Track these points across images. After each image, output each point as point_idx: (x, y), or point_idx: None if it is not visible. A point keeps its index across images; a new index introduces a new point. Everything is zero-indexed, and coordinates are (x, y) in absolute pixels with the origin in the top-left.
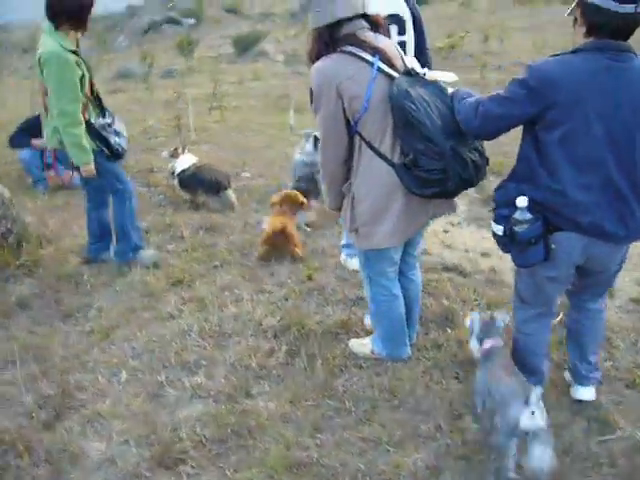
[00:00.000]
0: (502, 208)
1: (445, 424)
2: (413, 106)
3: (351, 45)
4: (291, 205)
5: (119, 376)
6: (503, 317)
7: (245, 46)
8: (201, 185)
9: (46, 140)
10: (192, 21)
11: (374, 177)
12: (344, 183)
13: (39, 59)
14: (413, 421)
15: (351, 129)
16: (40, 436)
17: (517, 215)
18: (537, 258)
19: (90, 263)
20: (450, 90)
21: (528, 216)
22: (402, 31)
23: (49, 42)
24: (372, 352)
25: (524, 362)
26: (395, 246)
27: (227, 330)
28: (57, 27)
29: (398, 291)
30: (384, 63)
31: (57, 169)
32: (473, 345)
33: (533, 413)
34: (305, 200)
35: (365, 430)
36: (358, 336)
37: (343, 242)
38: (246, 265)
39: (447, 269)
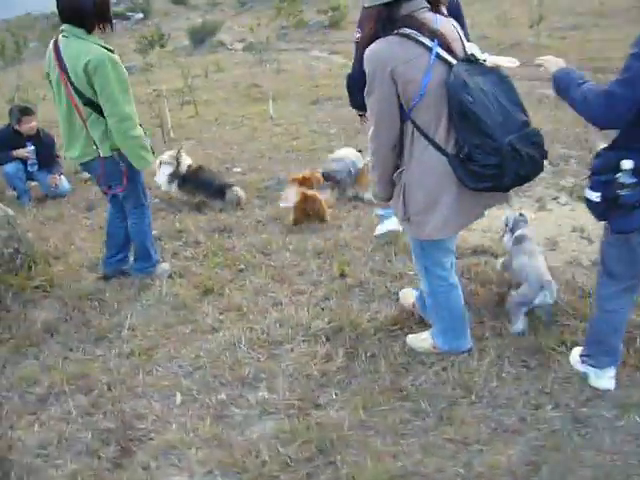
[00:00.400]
0: (600, 175)
1: (527, 416)
2: (470, 98)
3: (409, 27)
4: (310, 183)
5: (174, 399)
6: (525, 215)
7: (201, 37)
8: (207, 186)
9: (81, 154)
10: (140, 15)
11: (427, 166)
12: (395, 171)
13: (85, 68)
14: (495, 416)
15: (404, 114)
16: (115, 476)
17: (621, 178)
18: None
19: (107, 279)
20: (545, 70)
21: (633, 179)
22: None
23: (91, 47)
24: (433, 347)
25: (601, 340)
26: (448, 236)
27: (276, 338)
28: (90, 30)
29: (455, 280)
30: (443, 48)
31: (43, 178)
32: (507, 238)
33: (546, 295)
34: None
35: (449, 431)
36: (413, 331)
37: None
38: (271, 266)
39: (476, 252)
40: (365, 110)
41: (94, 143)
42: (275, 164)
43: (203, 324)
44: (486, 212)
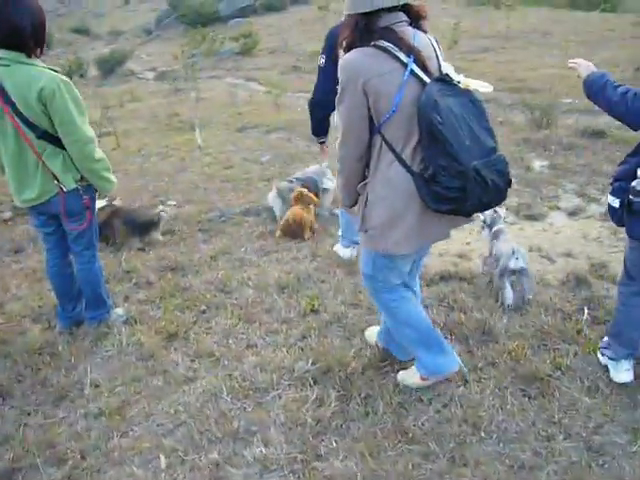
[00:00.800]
0: (621, 180)
1: (542, 449)
2: (439, 119)
3: (386, 40)
4: (306, 201)
5: (158, 462)
6: (502, 211)
7: (110, 67)
8: (129, 227)
9: (40, 193)
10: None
11: (391, 181)
12: (361, 181)
13: (39, 96)
14: (508, 452)
15: (373, 127)
16: None
17: (636, 185)
18: None
19: (53, 329)
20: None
21: None
22: None
23: (41, 72)
24: (422, 379)
25: (622, 333)
26: (404, 254)
27: (259, 384)
28: (29, 55)
29: (408, 294)
30: (418, 66)
31: None
32: (486, 234)
33: (517, 258)
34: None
35: (465, 472)
36: (404, 366)
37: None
38: (235, 304)
39: (444, 278)
40: (325, 137)
41: (55, 178)
42: (211, 194)
43: (175, 374)
44: (452, 232)
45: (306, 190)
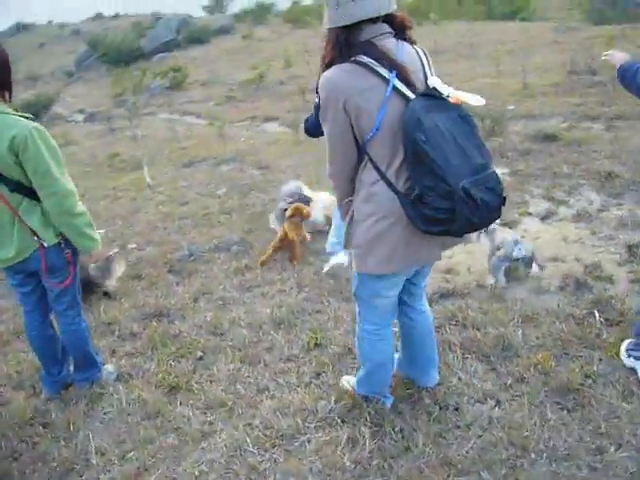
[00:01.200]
0: None
1: (597, 463)
2: (423, 137)
3: (367, 55)
4: (299, 215)
5: None
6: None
7: (36, 111)
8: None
9: (19, 251)
10: None
11: (376, 200)
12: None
13: (10, 145)
14: (564, 471)
15: (361, 147)
16: None
17: None
18: None
19: (39, 395)
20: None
21: None
22: None
23: (11, 120)
24: (352, 388)
25: None
26: (384, 274)
27: (284, 431)
28: None
29: (387, 334)
30: (401, 80)
31: None
32: (482, 237)
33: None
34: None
35: None
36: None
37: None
38: (232, 347)
39: (444, 296)
40: None
41: (33, 233)
42: (173, 234)
43: (190, 430)
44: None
45: (302, 205)
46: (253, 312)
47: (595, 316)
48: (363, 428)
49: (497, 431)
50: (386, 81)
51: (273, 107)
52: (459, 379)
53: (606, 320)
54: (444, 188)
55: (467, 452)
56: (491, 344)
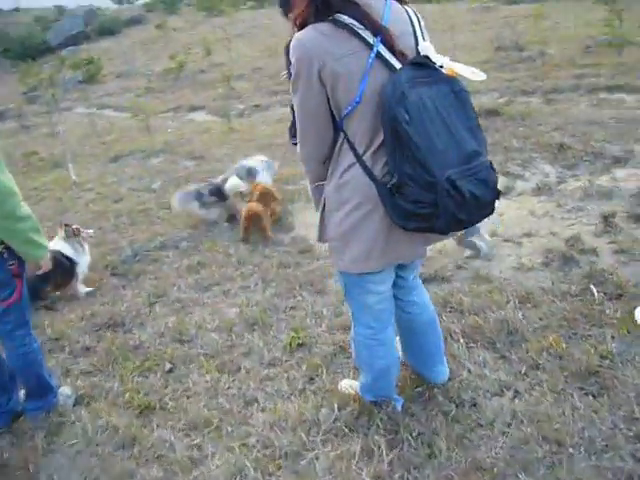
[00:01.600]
0: None
1: (638, 452)
2: (406, 116)
3: (348, 15)
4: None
5: None
6: None
7: None
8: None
9: None
10: None
11: (350, 185)
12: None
13: None
14: (606, 464)
15: (336, 123)
16: None
17: None
18: None
19: None
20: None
21: None
22: None
23: None
24: (357, 393)
25: None
26: (368, 271)
27: (287, 448)
28: None
29: (386, 336)
30: (387, 47)
31: None
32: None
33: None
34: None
35: None
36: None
37: None
38: (205, 354)
39: (428, 280)
40: None
41: None
42: (109, 233)
43: (175, 458)
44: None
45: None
46: (219, 313)
47: (593, 292)
48: (377, 437)
49: (524, 426)
50: (369, 46)
51: (196, 96)
52: (469, 371)
53: (605, 294)
54: (426, 178)
55: (497, 453)
56: (494, 329)
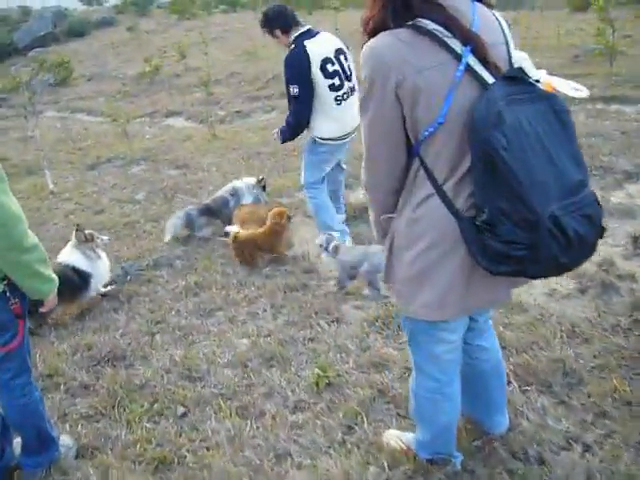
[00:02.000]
0: None
1: None
2: (503, 141)
3: (432, 19)
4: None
5: None
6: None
7: None
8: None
9: None
10: None
11: (426, 220)
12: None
13: None
14: None
15: (412, 148)
16: None
17: None
18: None
19: None
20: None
21: None
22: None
23: None
24: (407, 451)
25: None
26: (443, 320)
27: None
28: None
29: (452, 391)
30: (478, 58)
31: None
32: (325, 256)
33: None
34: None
35: None
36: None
37: None
38: (221, 395)
39: None
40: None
41: None
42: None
43: None
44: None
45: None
46: (229, 345)
47: None
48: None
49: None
50: (457, 57)
51: (173, 101)
52: (528, 420)
53: None
54: (524, 215)
55: None
56: (548, 370)
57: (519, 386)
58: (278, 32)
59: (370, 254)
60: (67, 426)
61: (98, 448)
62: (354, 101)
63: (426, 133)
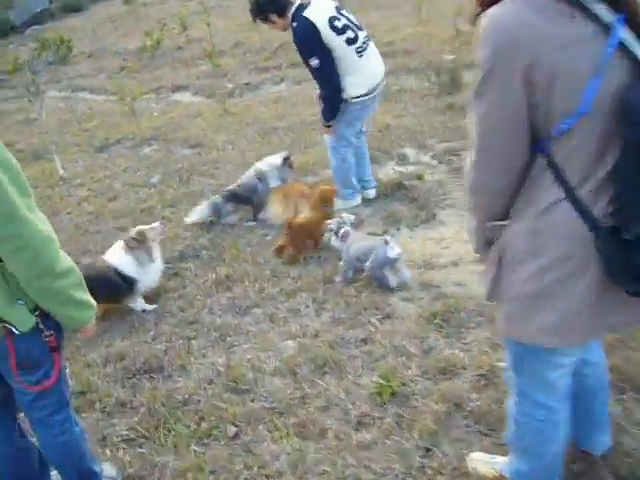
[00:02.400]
0: None
1: None
2: None
3: None
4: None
5: None
6: (348, 216)
7: None
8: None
9: None
10: None
11: (553, 231)
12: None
13: None
14: None
15: (537, 143)
16: None
17: None
18: None
19: None
20: None
21: None
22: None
23: None
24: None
25: None
26: (567, 346)
27: None
28: None
29: (563, 417)
30: (633, 29)
31: None
32: (333, 241)
33: (392, 247)
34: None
35: None
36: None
37: None
38: (273, 411)
39: None
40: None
41: None
42: (111, 238)
43: None
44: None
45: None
46: (272, 348)
47: None
48: None
49: None
50: (605, 29)
51: (178, 75)
52: (631, 436)
53: None
54: None
55: None
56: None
57: (614, 394)
58: (274, 17)
59: (377, 247)
60: (107, 451)
61: (144, 478)
62: (373, 49)
63: (562, 126)
